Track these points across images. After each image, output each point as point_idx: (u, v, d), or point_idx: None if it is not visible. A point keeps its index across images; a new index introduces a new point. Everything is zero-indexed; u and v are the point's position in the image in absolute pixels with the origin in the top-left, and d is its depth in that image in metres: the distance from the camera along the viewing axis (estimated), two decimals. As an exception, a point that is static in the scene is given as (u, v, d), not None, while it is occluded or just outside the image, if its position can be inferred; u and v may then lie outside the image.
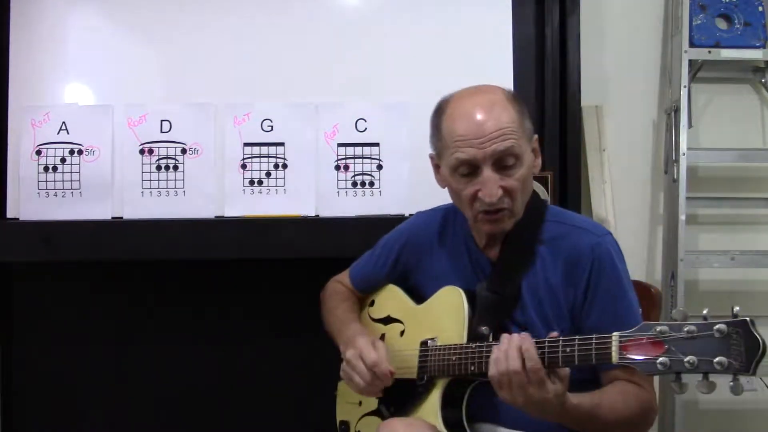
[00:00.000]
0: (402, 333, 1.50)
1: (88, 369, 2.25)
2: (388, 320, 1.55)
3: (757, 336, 1.00)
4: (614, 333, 1.11)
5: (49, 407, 2.26)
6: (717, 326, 1.01)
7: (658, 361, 1.04)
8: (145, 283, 2.23)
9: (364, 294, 1.65)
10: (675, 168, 2.25)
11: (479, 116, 1.30)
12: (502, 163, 1.29)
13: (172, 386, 2.25)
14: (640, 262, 2.43)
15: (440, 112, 1.37)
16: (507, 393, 1.17)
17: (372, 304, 1.61)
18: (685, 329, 1.03)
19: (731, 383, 1.01)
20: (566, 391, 1.16)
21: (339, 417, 1.62)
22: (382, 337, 1.55)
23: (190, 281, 2.22)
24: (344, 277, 1.67)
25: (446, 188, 1.40)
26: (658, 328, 1.06)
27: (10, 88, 2.12)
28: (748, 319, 1.01)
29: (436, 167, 1.41)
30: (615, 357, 1.10)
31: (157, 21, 2.15)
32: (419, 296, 1.50)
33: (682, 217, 2.23)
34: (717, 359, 1.00)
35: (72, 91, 2.15)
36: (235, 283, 2.24)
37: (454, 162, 1.32)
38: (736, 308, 1.04)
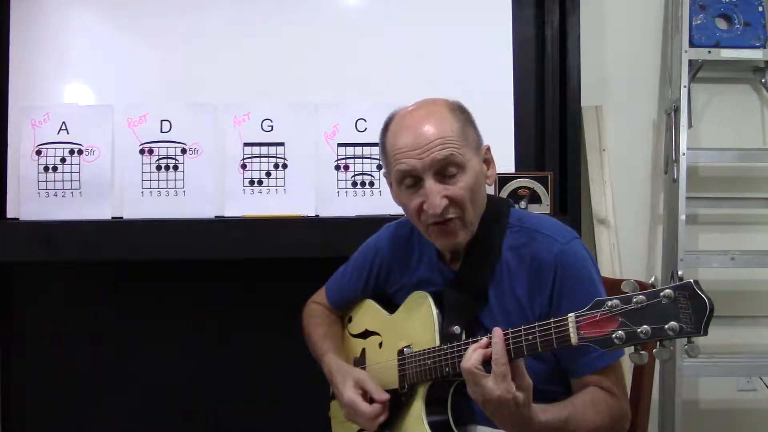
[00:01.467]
0: (380, 345, 1.50)
1: (88, 369, 2.25)
2: (366, 334, 1.55)
3: (703, 296, 1.00)
4: (570, 314, 1.11)
5: (49, 407, 2.26)
6: (664, 292, 1.02)
7: (614, 335, 1.05)
8: (145, 283, 2.23)
9: (342, 311, 1.65)
10: (675, 168, 2.25)
11: (417, 127, 1.30)
12: (444, 172, 1.28)
13: (172, 386, 2.25)
14: (640, 262, 2.43)
15: (385, 129, 1.37)
16: (470, 388, 1.17)
17: (350, 320, 1.62)
18: (635, 300, 1.04)
19: (686, 346, 1.02)
20: (530, 404, 1.15)
21: None
22: (363, 351, 1.55)
23: (190, 281, 2.22)
24: (321, 296, 1.67)
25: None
26: (609, 303, 1.06)
27: (10, 88, 2.13)
28: (692, 280, 1.01)
29: (390, 185, 1.40)
30: (574, 338, 1.10)
31: (158, 21, 2.16)
32: (394, 307, 1.49)
33: (682, 217, 2.23)
34: (668, 325, 1.01)
35: (72, 91, 2.15)
36: (235, 283, 2.24)
37: (397, 175, 1.32)
38: (681, 272, 1.06)
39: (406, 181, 1.31)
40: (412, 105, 1.37)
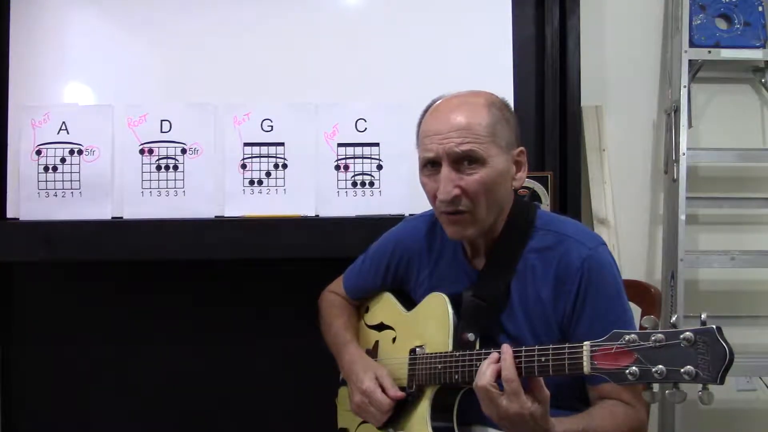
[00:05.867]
0: (394, 340, 1.50)
1: (88, 369, 2.25)
2: (381, 327, 1.55)
3: (724, 345, 0.98)
4: (585, 342, 1.10)
5: (49, 407, 2.26)
6: (684, 335, 1.00)
7: (627, 371, 1.04)
8: (145, 283, 2.23)
9: (358, 301, 1.65)
10: (675, 168, 2.25)
11: (447, 115, 1.31)
12: (462, 163, 1.28)
13: (173, 386, 2.25)
14: (640, 262, 2.42)
15: (424, 112, 1.39)
16: (484, 406, 1.17)
17: (367, 310, 1.62)
18: (653, 338, 1.02)
19: (699, 392, 1.00)
20: (547, 416, 1.14)
21: (339, 424, 1.62)
22: (376, 344, 1.55)
23: (190, 281, 2.22)
24: (338, 285, 1.67)
25: None
26: (627, 337, 1.05)
27: (10, 88, 2.13)
28: (714, 327, 0.99)
29: None
30: (587, 367, 1.09)
31: (158, 21, 2.16)
32: (412, 303, 1.49)
33: (682, 217, 2.23)
34: (685, 369, 0.99)
35: (72, 91, 2.15)
36: (235, 283, 2.25)
37: (421, 160, 1.34)
38: (704, 315, 1.02)
39: (428, 166, 1.32)
40: (454, 93, 1.37)
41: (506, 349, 1.16)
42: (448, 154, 1.28)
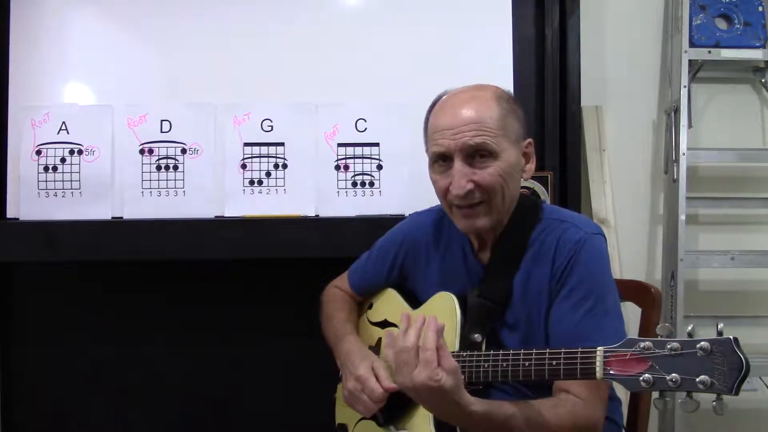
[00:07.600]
0: None
1: (88, 369, 2.25)
2: (384, 324, 1.55)
3: (740, 355, 0.98)
4: (599, 348, 1.09)
5: (49, 407, 2.26)
6: (700, 344, 1.00)
7: (641, 378, 1.03)
8: (145, 283, 2.23)
9: (363, 297, 1.64)
10: (675, 168, 2.25)
11: (457, 109, 1.30)
12: (474, 157, 1.29)
13: (172, 386, 2.25)
14: (640, 262, 2.43)
15: (431, 108, 1.39)
16: (397, 373, 1.20)
17: (370, 307, 1.62)
18: (669, 346, 1.02)
19: (714, 402, 1.00)
20: (460, 391, 1.16)
21: (337, 420, 1.62)
22: (380, 341, 1.55)
23: (190, 281, 2.22)
24: (343, 281, 1.66)
25: None
26: (642, 345, 1.04)
27: (10, 88, 2.13)
28: (731, 337, 0.99)
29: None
30: (599, 372, 1.08)
31: (158, 21, 2.16)
32: (417, 300, 1.49)
33: (682, 217, 2.23)
34: (700, 378, 0.99)
35: (72, 91, 2.15)
36: (235, 284, 2.24)
37: (431, 155, 1.34)
38: (720, 325, 1.02)
39: (439, 161, 1.32)
40: (461, 87, 1.37)
41: (432, 319, 1.18)
42: (461, 149, 1.28)
